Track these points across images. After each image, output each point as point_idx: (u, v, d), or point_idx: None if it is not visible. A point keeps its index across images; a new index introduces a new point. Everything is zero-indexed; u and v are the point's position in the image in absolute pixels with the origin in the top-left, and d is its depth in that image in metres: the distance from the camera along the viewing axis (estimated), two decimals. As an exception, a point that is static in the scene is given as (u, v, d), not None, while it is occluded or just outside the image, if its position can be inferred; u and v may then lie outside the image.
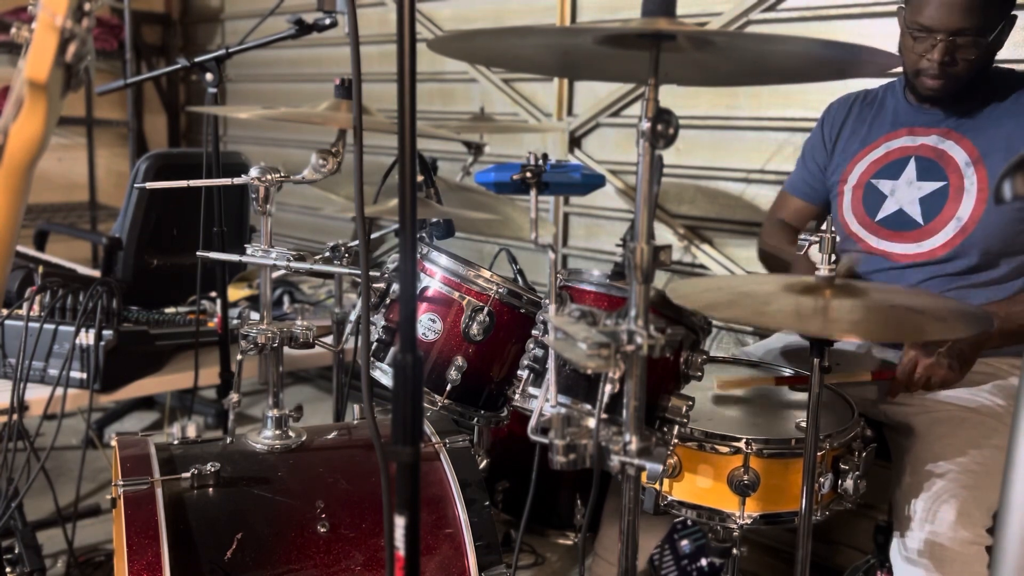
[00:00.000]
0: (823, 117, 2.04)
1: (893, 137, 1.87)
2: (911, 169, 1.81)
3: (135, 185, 2.35)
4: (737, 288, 1.47)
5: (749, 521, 1.48)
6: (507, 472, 2.12)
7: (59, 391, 2.00)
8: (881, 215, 1.84)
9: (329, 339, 2.18)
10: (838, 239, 1.43)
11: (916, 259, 1.79)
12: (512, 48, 1.21)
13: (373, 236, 2.39)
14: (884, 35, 2.22)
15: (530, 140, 3.12)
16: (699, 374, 1.40)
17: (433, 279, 1.69)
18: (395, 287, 1.72)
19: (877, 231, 1.85)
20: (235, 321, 2.33)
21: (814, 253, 1.39)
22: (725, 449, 1.47)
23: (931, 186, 1.78)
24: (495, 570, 1.52)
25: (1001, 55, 1.90)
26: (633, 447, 1.08)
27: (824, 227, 1.42)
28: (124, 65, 4.23)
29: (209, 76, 2.20)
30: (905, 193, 1.82)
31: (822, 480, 1.49)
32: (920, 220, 1.79)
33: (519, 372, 1.48)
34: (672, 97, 2.68)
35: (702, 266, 2.68)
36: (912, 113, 1.85)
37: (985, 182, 1.72)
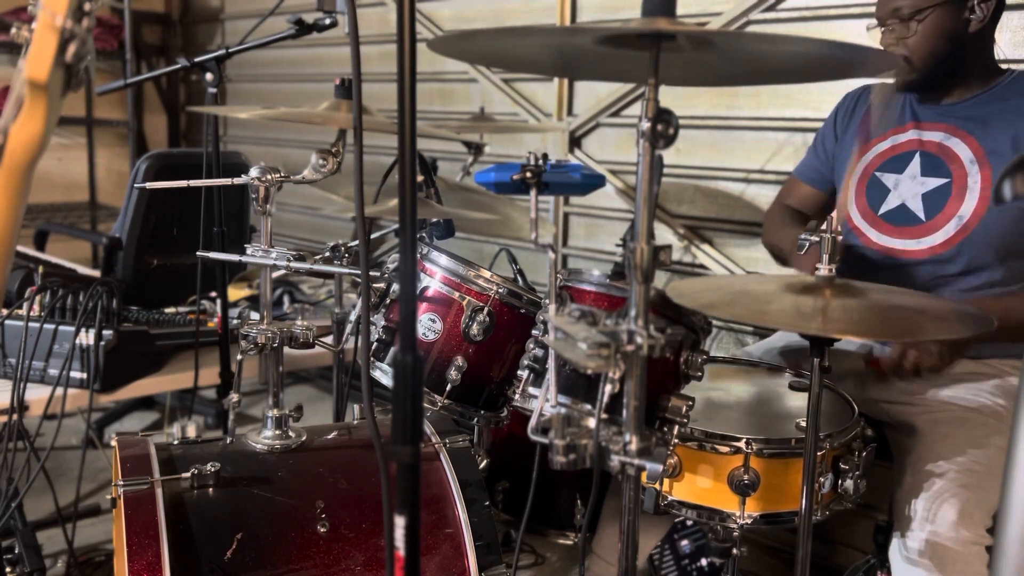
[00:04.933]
0: (838, 105, 2.04)
1: (900, 131, 1.86)
2: (915, 164, 1.81)
3: (135, 185, 2.35)
4: (737, 288, 1.47)
5: (749, 521, 1.48)
6: (507, 472, 2.12)
7: (59, 391, 2.00)
8: (884, 209, 1.84)
9: (329, 339, 2.18)
10: (839, 239, 1.43)
11: (916, 255, 1.79)
12: (512, 48, 1.21)
13: (373, 236, 2.40)
14: (869, 40, 2.22)
15: (530, 140, 3.12)
16: (699, 374, 1.39)
17: (433, 279, 1.69)
18: (395, 287, 1.72)
19: (879, 225, 1.85)
20: (235, 321, 2.32)
21: (811, 255, 1.40)
22: (725, 449, 1.47)
23: (934, 182, 1.78)
24: (495, 570, 1.52)
25: (1000, 54, 1.90)
26: (633, 447, 1.08)
27: (824, 227, 1.42)
28: (124, 65, 4.23)
29: (209, 76, 2.20)
30: (908, 188, 1.81)
31: (822, 480, 1.49)
32: (922, 216, 1.79)
33: (519, 372, 1.48)
34: (672, 97, 2.68)
35: (702, 266, 2.68)
36: (920, 108, 1.85)
37: (989, 181, 1.72)
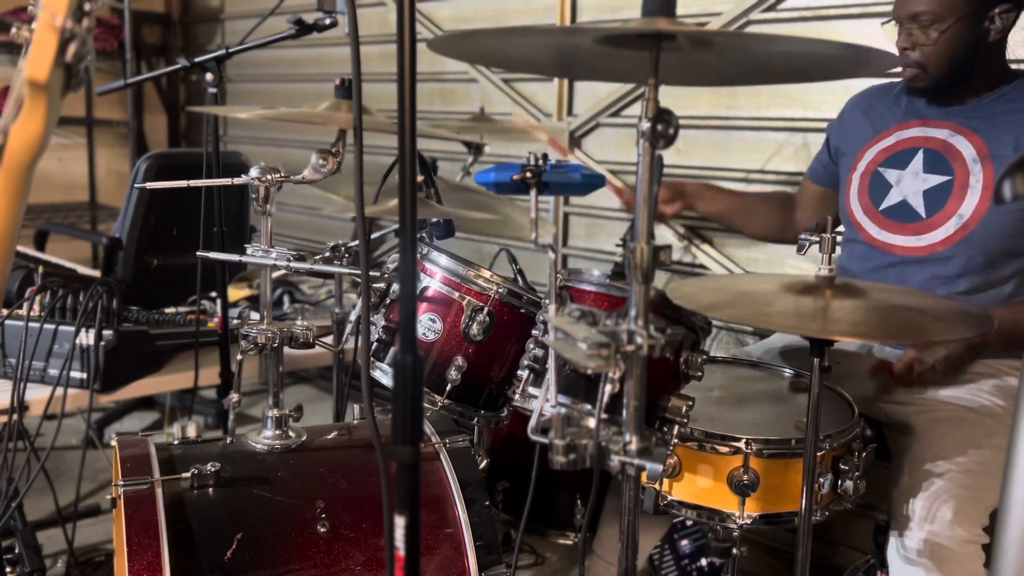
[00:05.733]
0: (846, 104, 2.05)
1: (905, 127, 1.86)
2: (918, 160, 1.81)
3: (135, 185, 2.35)
4: (737, 288, 1.47)
5: (749, 521, 1.48)
6: (507, 472, 2.12)
7: (59, 391, 2.00)
8: (885, 204, 1.84)
9: (329, 339, 2.18)
10: (839, 240, 1.43)
11: (916, 252, 1.79)
12: (512, 48, 1.21)
13: (373, 236, 2.39)
14: (884, 35, 2.22)
15: (530, 140, 3.12)
16: (699, 374, 1.40)
17: (433, 279, 1.69)
18: (395, 287, 1.72)
19: (880, 221, 1.85)
20: (235, 321, 2.32)
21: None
22: (725, 449, 1.47)
23: (936, 179, 1.78)
24: (495, 570, 1.52)
25: (1011, 54, 1.89)
26: (633, 447, 1.08)
27: (824, 226, 1.42)
28: (124, 65, 4.23)
29: (209, 76, 2.20)
30: (910, 184, 1.81)
31: (822, 480, 1.49)
32: (922, 213, 1.79)
33: (519, 372, 1.48)
34: (672, 97, 2.68)
35: (702, 266, 2.68)
36: (926, 105, 1.85)
37: (991, 180, 1.71)
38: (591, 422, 1.11)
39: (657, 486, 1.53)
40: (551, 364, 1.23)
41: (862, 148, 1.92)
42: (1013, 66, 1.83)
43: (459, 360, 1.66)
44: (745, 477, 1.46)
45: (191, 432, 1.62)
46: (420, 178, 1.69)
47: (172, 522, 1.37)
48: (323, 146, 1.60)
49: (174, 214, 2.46)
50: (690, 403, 1.37)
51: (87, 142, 4.57)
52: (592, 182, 1.50)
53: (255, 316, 2.19)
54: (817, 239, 1.42)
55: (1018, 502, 0.79)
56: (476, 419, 1.73)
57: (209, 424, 3.22)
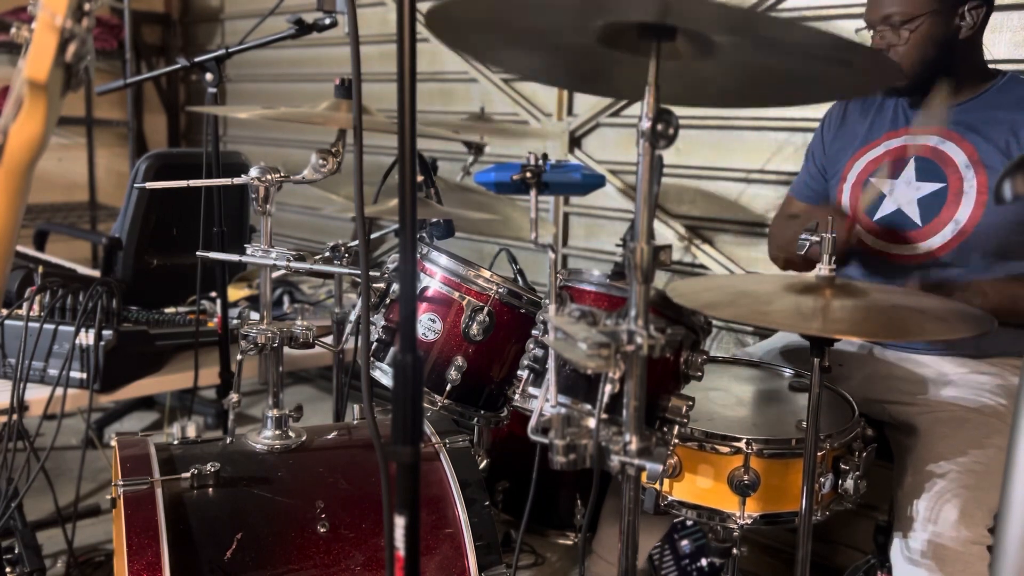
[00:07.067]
0: (824, 118, 2.03)
1: (893, 136, 1.86)
2: (910, 169, 1.81)
3: (135, 185, 2.35)
4: (737, 288, 1.47)
5: (749, 521, 1.48)
6: (507, 472, 2.12)
7: (59, 391, 2.00)
8: (880, 214, 1.84)
9: (329, 339, 2.18)
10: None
11: (914, 260, 1.78)
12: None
13: (373, 236, 2.39)
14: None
15: (530, 140, 3.12)
16: (699, 374, 1.39)
17: (433, 279, 1.69)
18: (395, 287, 1.72)
19: (875, 230, 1.84)
20: (235, 321, 2.32)
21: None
22: (725, 449, 1.47)
23: (930, 187, 1.77)
24: (495, 570, 1.52)
25: (1000, 55, 1.89)
26: (633, 447, 1.08)
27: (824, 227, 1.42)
28: (124, 65, 4.23)
29: (209, 76, 2.20)
30: (903, 193, 1.81)
31: (822, 480, 1.49)
32: (918, 221, 1.78)
33: (519, 372, 1.48)
34: (672, 97, 2.68)
35: (702, 266, 2.68)
36: (912, 113, 1.85)
37: (984, 185, 1.71)
38: (591, 422, 1.11)
39: (657, 486, 1.53)
40: (551, 364, 1.23)
41: (849, 160, 1.91)
42: (1010, 67, 1.83)
43: (459, 360, 1.66)
44: (745, 477, 1.45)
45: (191, 432, 1.62)
46: (420, 178, 1.69)
47: (172, 522, 1.37)
48: (323, 146, 1.60)
49: (174, 214, 2.46)
50: (690, 403, 1.36)
51: (87, 142, 4.57)
52: (592, 182, 1.50)
53: (255, 316, 2.19)
54: (817, 239, 1.42)
55: (1018, 502, 0.79)
56: (476, 419, 1.73)
57: (209, 424, 3.21)
